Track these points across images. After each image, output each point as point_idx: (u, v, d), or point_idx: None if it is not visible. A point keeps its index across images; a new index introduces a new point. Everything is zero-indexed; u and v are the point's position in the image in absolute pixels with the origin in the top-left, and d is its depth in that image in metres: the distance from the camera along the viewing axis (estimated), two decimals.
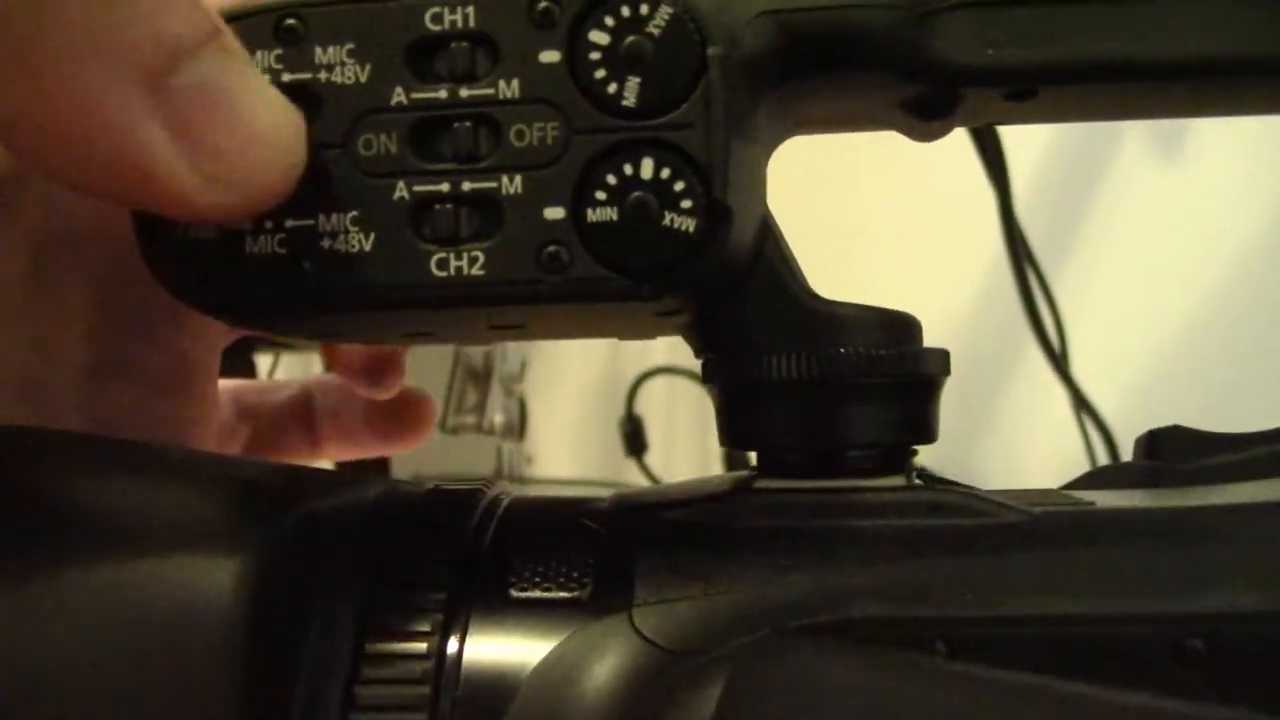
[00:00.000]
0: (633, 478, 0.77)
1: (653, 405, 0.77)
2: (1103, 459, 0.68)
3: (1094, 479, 0.23)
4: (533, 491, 0.62)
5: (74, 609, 0.16)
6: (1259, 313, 0.67)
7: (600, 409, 0.79)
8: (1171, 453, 0.23)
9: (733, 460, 0.67)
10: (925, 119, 0.20)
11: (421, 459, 0.82)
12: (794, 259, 0.19)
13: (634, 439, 0.75)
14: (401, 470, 0.82)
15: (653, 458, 0.76)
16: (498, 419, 0.74)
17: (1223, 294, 0.68)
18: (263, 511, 0.17)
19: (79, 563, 0.16)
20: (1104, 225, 0.70)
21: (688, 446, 0.81)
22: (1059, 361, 0.65)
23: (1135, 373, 0.71)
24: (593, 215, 0.16)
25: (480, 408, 0.73)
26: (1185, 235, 0.68)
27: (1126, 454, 0.69)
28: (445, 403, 0.73)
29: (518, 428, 0.75)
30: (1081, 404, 0.67)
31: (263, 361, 0.87)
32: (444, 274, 0.16)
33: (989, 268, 0.71)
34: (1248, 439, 0.23)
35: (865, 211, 0.75)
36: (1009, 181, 0.59)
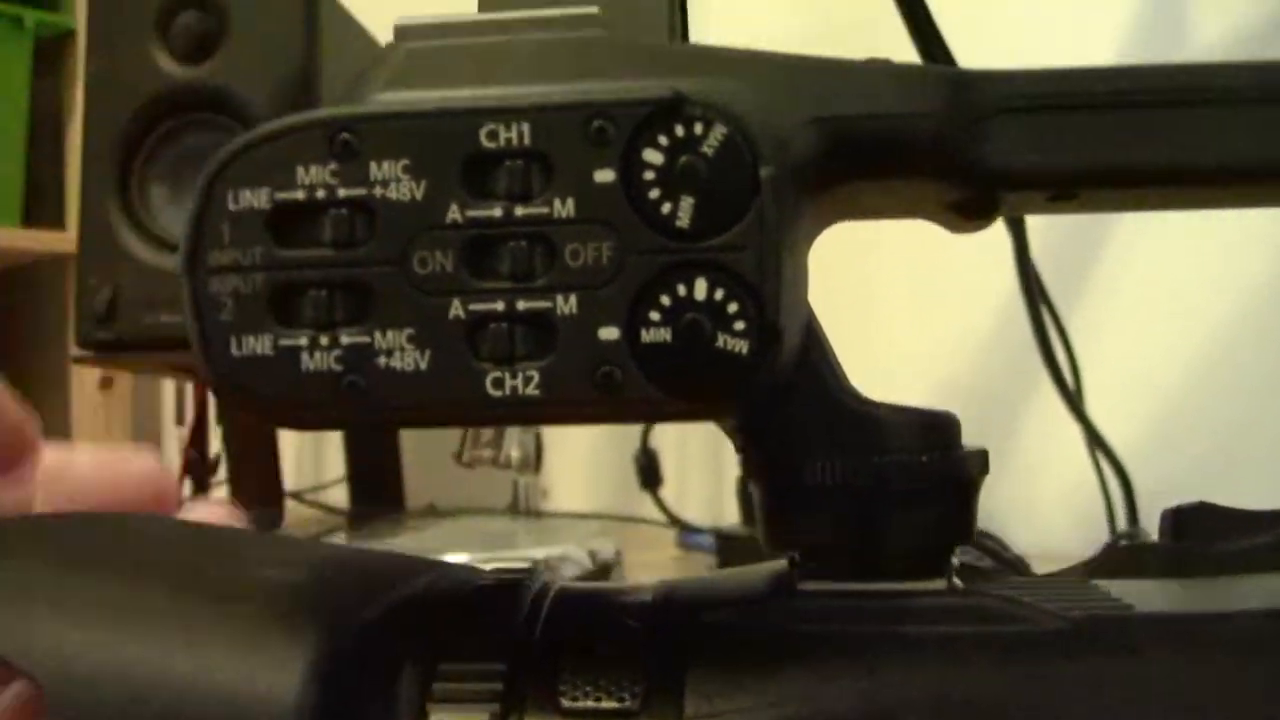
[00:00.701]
0: (647, 511, 0.77)
1: (667, 440, 0.77)
2: (1117, 496, 0.68)
3: (1121, 559, 0.23)
4: (549, 524, 0.62)
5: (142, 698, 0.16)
6: (1270, 351, 0.67)
7: (615, 443, 0.79)
8: (1197, 532, 0.23)
9: (746, 499, 0.67)
10: (967, 218, 0.20)
11: (438, 491, 0.82)
12: (835, 357, 0.20)
13: (649, 473, 0.75)
14: (416, 502, 0.82)
15: (667, 492, 0.76)
16: (514, 453, 0.74)
17: (1235, 333, 0.68)
18: (315, 621, 0.18)
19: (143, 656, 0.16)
20: (1117, 264, 0.70)
21: (702, 481, 0.81)
22: (1073, 399, 0.65)
23: (1149, 410, 0.71)
24: (646, 336, 0.16)
25: (496, 442, 0.73)
26: (1198, 275, 0.68)
27: (1141, 491, 0.69)
28: (462, 437, 0.73)
29: (534, 461, 0.75)
30: (1095, 441, 0.67)
31: None
32: (499, 393, 0.16)
33: (1004, 306, 0.71)
34: (1271, 517, 0.23)
35: (882, 249, 0.75)
36: (1024, 221, 0.59)
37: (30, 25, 1.11)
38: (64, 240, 1.08)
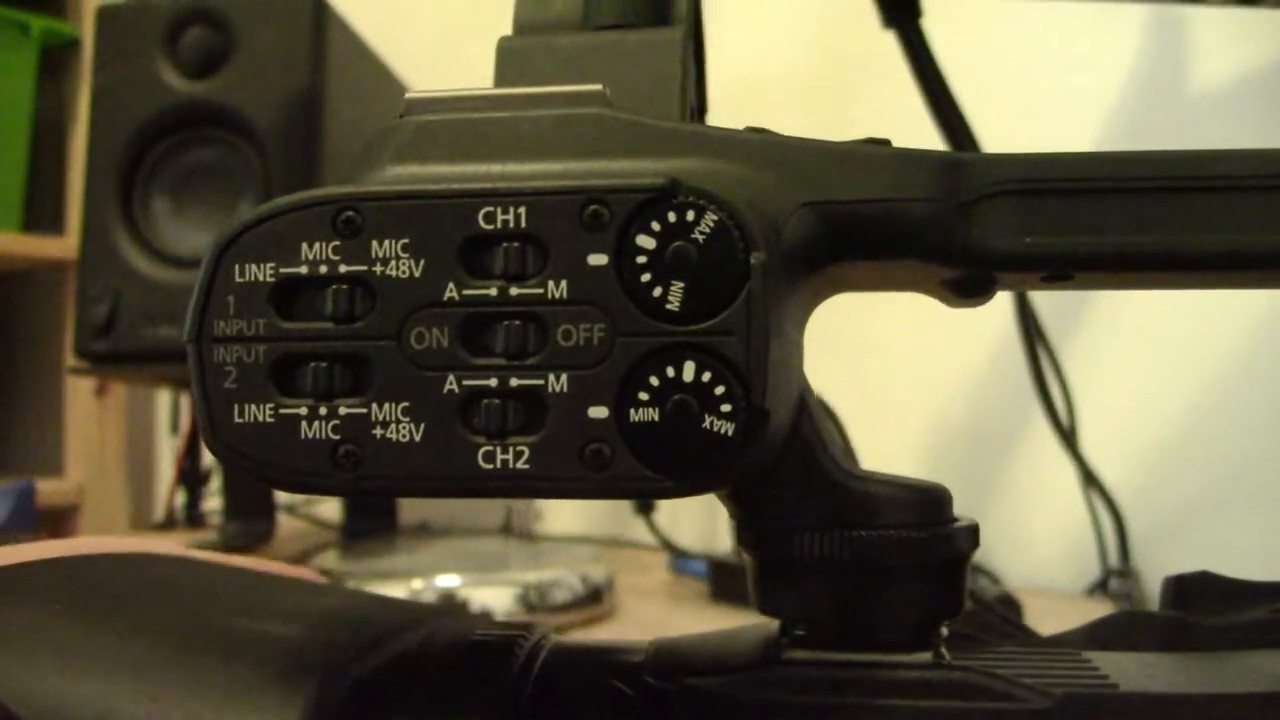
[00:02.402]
0: (640, 535, 0.78)
1: None
2: (1109, 533, 0.69)
3: (1117, 627, 0.23)
4: (541, 547, 0.61)
5: None
6: (1263, 391, 0.68)
7: None
8: (1198, 602, 0.23)
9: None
10: (962, 296, 0.20)
11: (430, 510, 0.82)
12: (827, 428, 0.20)
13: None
14: (409, 520, 0.82)
15: (660, 517, 0.76)
16: None
17: (1228, 372, 0.69)
18: (307, 678, 0.18)
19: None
20: (1113, 303, 0.71)
21: (695, 507, 0.82)
22: (1067, 436, 0.65)
23: (1142, 448, 0.71)
24: (635, 415, 0.17)
25: None
26: (1193, 315, 0.68)
27: (1133, 528, 0.69)
28: None
29: None
30: (1089, 479, 0.67)
31: None
32: (490, 466, 0.17)
33: (1001, 342, 0.71)
34: (1274, 589, 0.23)
35: None
36: None
37: (36, 33, 1.12)
38: (64, 247, 1.08)
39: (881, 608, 0.19)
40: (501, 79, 0.23)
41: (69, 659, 0.18)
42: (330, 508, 0.88)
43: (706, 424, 0.16)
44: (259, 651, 0.18)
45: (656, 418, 0.17)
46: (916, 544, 0.19)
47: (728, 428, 0.16)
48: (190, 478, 0.97)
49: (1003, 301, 0.63)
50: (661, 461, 0.17)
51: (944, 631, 0.20)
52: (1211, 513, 0.69)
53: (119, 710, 0.17)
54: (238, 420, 0.17)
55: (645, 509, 0.75)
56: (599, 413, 0.17)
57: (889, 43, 0.51)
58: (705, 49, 0.29)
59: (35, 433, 1.17)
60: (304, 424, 0.17)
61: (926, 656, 0.19)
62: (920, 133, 0.52)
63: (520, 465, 0.17)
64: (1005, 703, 0.18)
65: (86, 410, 1.12)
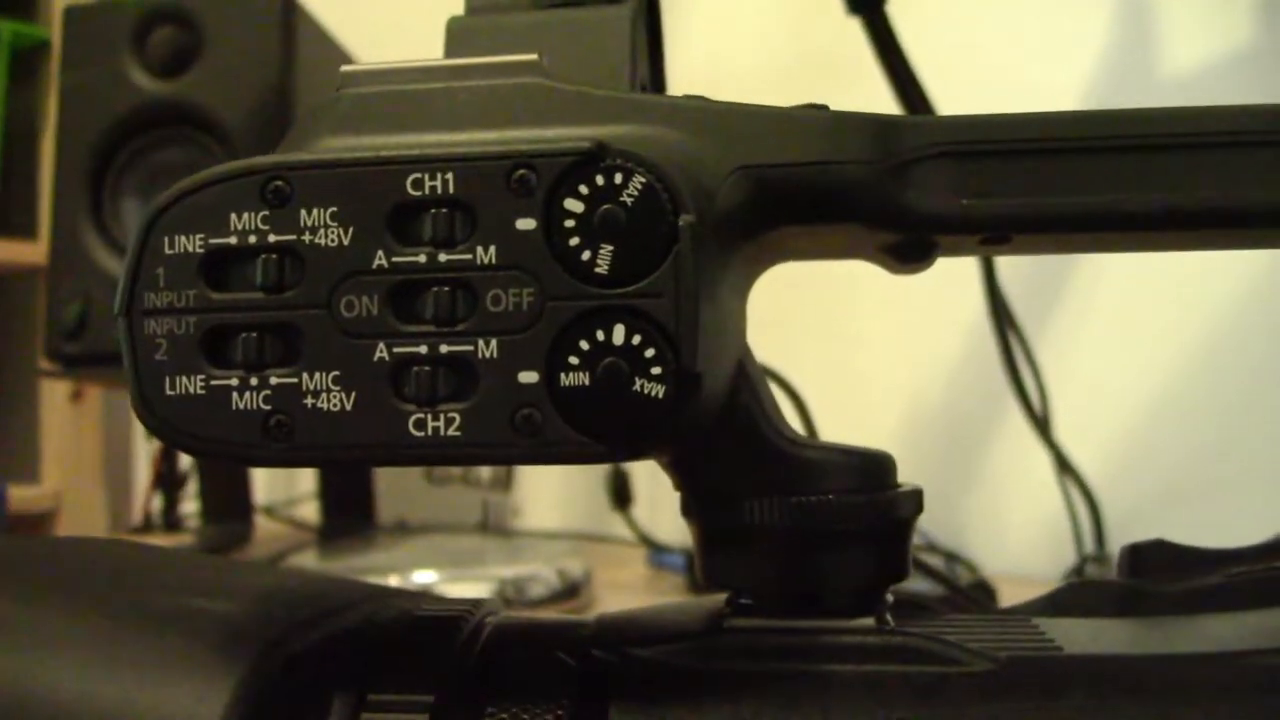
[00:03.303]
0: (618, 530, 0.77)
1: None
2: (1084, 520, 0.69)
3: (1074, 595, 0.23)
4: (519, 542, 0.61)
5: None
6: (1237, 377, 0.68)
7: None
8: (1153, 569, 0.23)
9: None
10: (902, 261, 0.20)
11: (408, 508, 0.82)
12: (770, 398, 0.20)
13: (620, 492, 0.75)
14: (387, 518, 0.82)
15: (639, 511, 0.76)
16: (484, 471, 0.74)
17: (1202, 358, 0.69)
18: (241, 653, 0.18)
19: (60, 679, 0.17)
20: (1085, 289, 0.71)
21: (673, 501, 0.81)
22: (1041, 424, 0.66)
23: (1116, 435, 0.71)
24: (565, 380, 0.16)
25: None
26: (1165, 301, 0.68)
27: (1108, 515, 0.69)
28: None
29: (505, 480, 0.75)
30: (1063, 466, 0.67)
31: None
32: (421, 434, 0.17)
33: (973, 330, 0.71)
34: (1230, 555, 0.23)
35: (854, 271, 0.75)
36: None
37: (6, 36, 1.11)
38: (37, 251, 1.07)
39: (824, 574, 0.19)
40: (449, 56, 0.22)
41: (10, 637, 0.18)
42: (308, 508, 0.87)
43: (637, 387, 0.16)
44: (195, 626, 0.18)
45: (587, 382, 0.16)
46: (858, 509, 0.19)
47: (658, 390, 0.16)
48: (167, 481, 0.97)
49: (974, 288, 0.63)
50: (593, 426, 0.17)
51: (889, 598, 0.20)
52: (1186, 498, 0.69)
53: (48, 685, 0.17)
54: (169, 393, 0.17)
55: (623, 503, 0.75)
56: (529, 378, 0.17)
57: (857, 33, 0.51)
58: (661, 27, 0.29)
59: (10, 438, 1.16)
60: (235, 395, 0.17)
61: (870, 622, 0.19)
62: None
63: (451, 432, 0.17)
64: (948, 666, 0.18)
65: (62, 415, 1.11)
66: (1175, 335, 0.69)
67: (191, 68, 0.68)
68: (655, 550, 0.71)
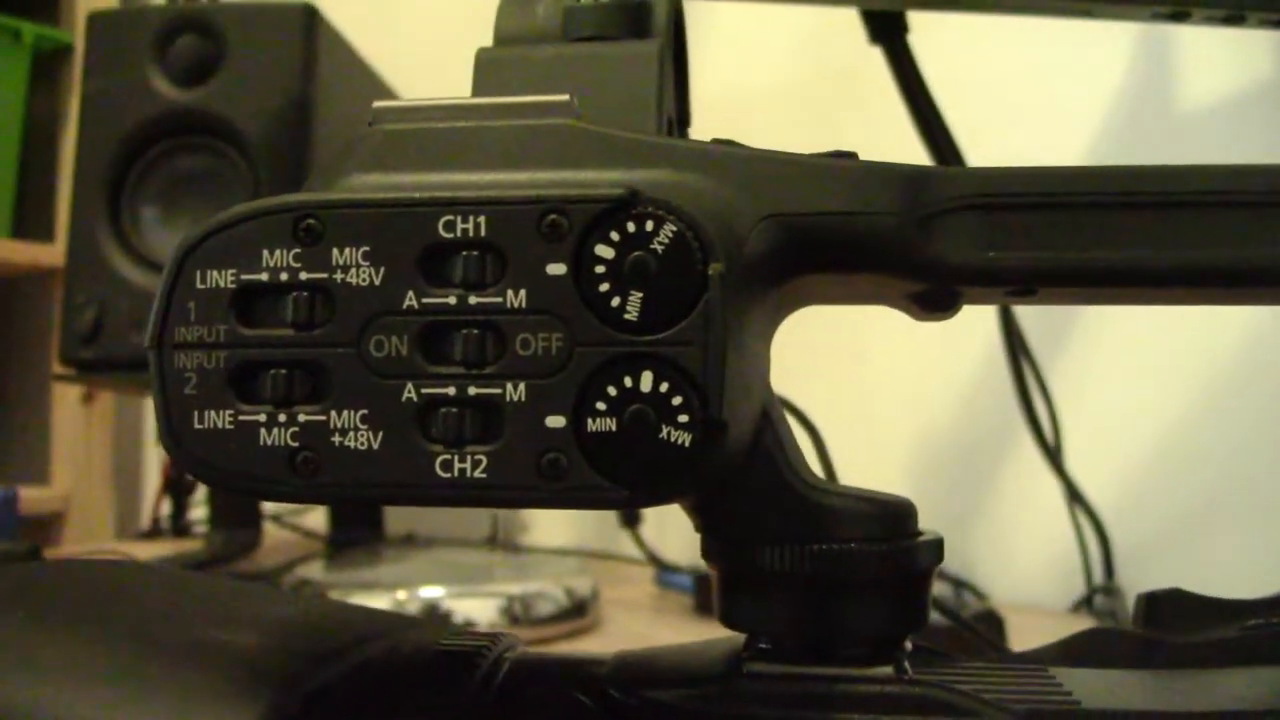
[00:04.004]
0: (626, 548, 0.77)
1: None
2: (1094, 550, 0.69)
3: (1089, 642, 0.23)
4: (527, 558, 0.61)
5: None
6: (1249, 409, 0.68)
7: None
8: (1169, 619, 0.23)
9: None
10: (927, 309, 0.20)
11: (417, 521, 0.82)
12: (791, 440, 0.20)
13: (629, 511, 0.75)
14: (395, 530, 0.82)
15: (647, 530, 0.76)
16: None
17: (1215, 390, 0.69)
18: (260, 690, 0.18)
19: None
20: (1099, 320, 0.71)
21: (681, 520, 0.81)
22: (1053, 454, 0.65)
23: (1127, 465, 0.71)
24: (592, 425, 0.17)
25: None
26: (1179, 332, 0.68)
27: (1117, 545, 0.69)
28: None
29: None
30: (1074, 496, 0.67)
31: None
32: (447, 475, 0.17)
33: (985, 359, 0.71)
34: (1247, 607, 0.23)
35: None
36: None
37: (28, 39, 1.12)
38: (53, 253, 1.08)
39: (844, 622, 0.19)
40: (478, 89, 0.23)
41: (24, 665, 0.18)
42: (316, 518, 0.87)
43: (663, 434, 0.16)
44: (215, 660, 0.18)
45: (613, 428, 0.16)
46: (879, 558, 0.19)
47: (685, 438, 0.16)
48: (176, 487, 0.97)
49: (988, 317, 0.63)
50: (618, 472, 0.17)
51: (908, 645, 0.20)
52: (1196, 530, 0.69)
53: (69, 718, 0.17)
54: (198, 427, 0.17)
55: (631, 522, 0.75)
56: (556, 422, 0.17)
57: (877, 57, 0.51)
58: (688, 61, 0.30)
59: (21, 440, 1.16)
60: (263, 430, 0.17)
61: (888, 671, 0.19)
62: (906, 146, 0.52)
63: (477, 474, 0.17)
64: (966, 718, 0.18)
65: (73, 418, 1.11)
66: (1188, 367, 0.69)
67: (213, 77, 0.68)
68: (663, 569, 0.71)
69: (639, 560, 0.76)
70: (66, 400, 1.11)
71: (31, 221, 1.16)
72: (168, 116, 0.69)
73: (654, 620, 0.65)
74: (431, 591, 0.58)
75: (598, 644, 0.58)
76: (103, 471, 1.13)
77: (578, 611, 0.60)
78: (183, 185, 0.70)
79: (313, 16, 0.69)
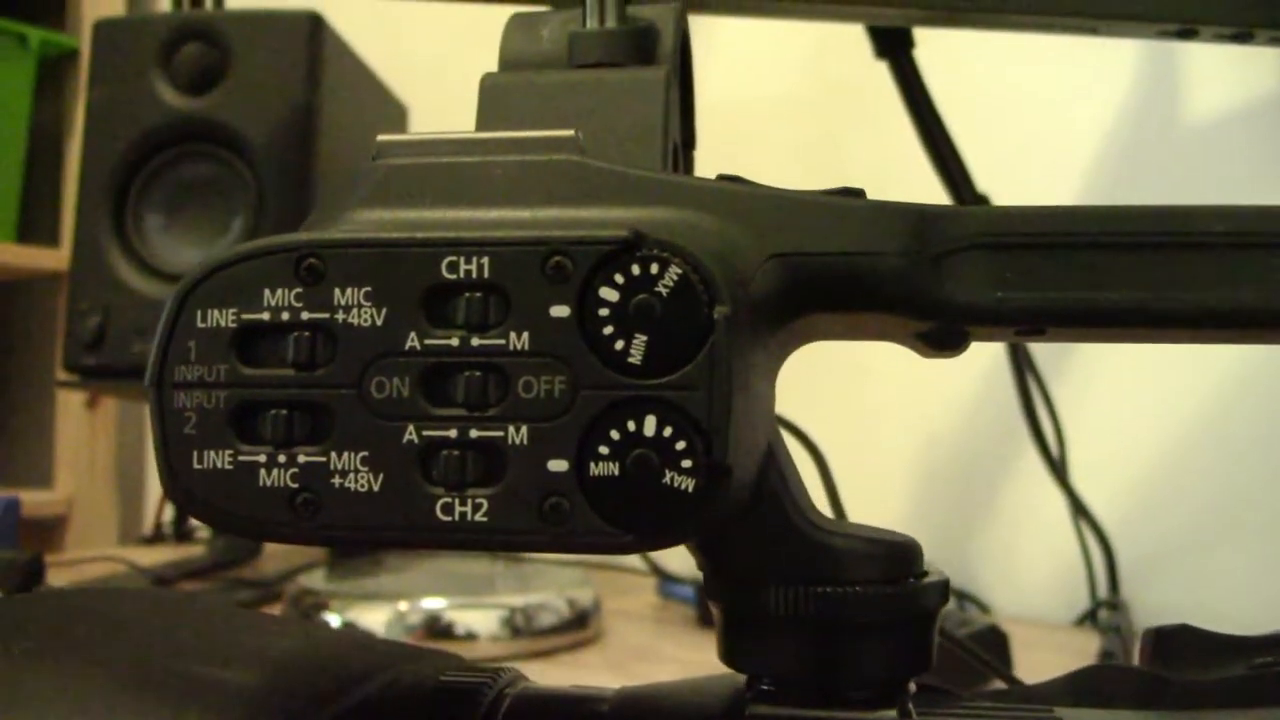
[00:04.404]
0: (628, 559, 0.77)
1: None
2: (1098, 564, 0.69)
3: (1096, 679, 0.23)
4: (529, 569, 0.61)
5: None
6: (1255, 423, 0.68)
7: None
8: (1177, 656, 0.23)
9: None
10: (935, 348, 0.20)
11: None
12: (796, 478, 0.20)
13: None
14: None
15: None
16: None
17: (1220, 404, 0.68)
18: None
19: None
20: None
21: None
22: (1057, 468, 0.65)
23: (1132, 480, 0.71)
24: (595, 469, 0.16)
25: None
26: (1183, 348, 0.68)
27: (1122, 559, 0.68)
28: None
29: None
30: (1079, 510, 0.67)
31: None
32: (448, 518, 0.17)
33: (991, 373, 0.71)
34: (1255, 644, 0.23)
35: None
36: None
37: (34, 44, 1.12)
38: (58, 258, 1.08)
39: (847, 664, 0.19)
40: (483, 116, 0.22)
41: (16, 704, 0.18)
42: None
43: (667, 480, 0.16)
44: (214, 700, 0.18)
45: (617, 472, 0.16)
46: (884, 600, 0.18)
47: (688, 484, 0.16)
48: None
49: None
50: (621, 516, 0.16)
51: (912, 687, 0.20)
52: (1201, 544, 0.68)
53: None
54: (197, 467, 0.17)
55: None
56: (559, 466, 0.16)
57: (883, 72, 0.51)
58: (693, 85, 0.29)
59: (25, 444, 1.16)
60: (263, 471, 0.17)
61: (892, 714, 0.19)
62: (913, 161, 0.52)
63: (478, 517, 0.17)
64: None
65: (77, 422, 1.11)
66: (1193, 381, 0.69)
67: (218, 85, 0.68)
68: (665, 580, 0.71)
69: (641, 571, 0.76)
70: (70, 405, 1.11)
71: (37, 226, 1.16)
72: (173, 124, 0.69)
73: (656, 632, 0.65)
74: (433, 602, 0.58)
75: (600, 655, 0.58)
76: (106, 476, 1.13)
77: (579, 623, 0.60)
78: (187, 193, 0.70)
79: (318, 25, 0.69)
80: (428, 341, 0.17)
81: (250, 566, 0.79)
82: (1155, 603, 0.67)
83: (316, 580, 0.66)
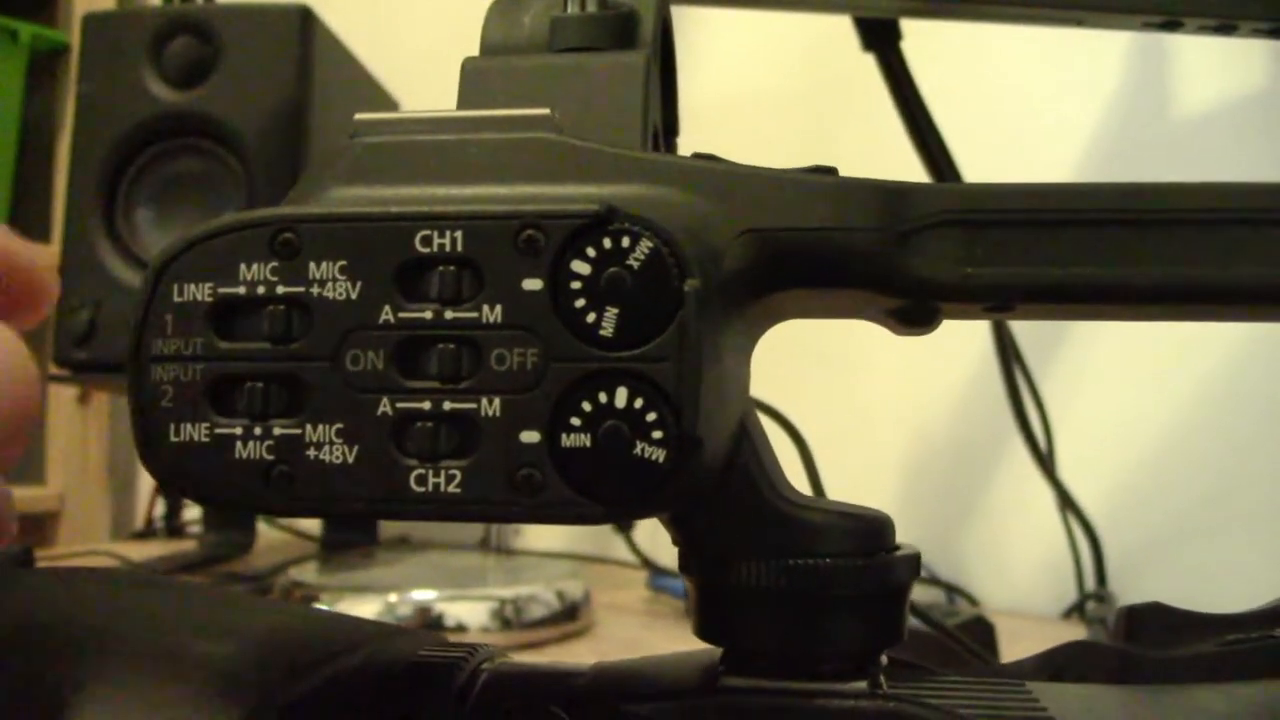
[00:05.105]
0: (619, 552, 0.78)
1: None
2: (1086, 557, 0.69)
3: (1070, 655, 0.23)
4: (519, 562, 0.61)
5: None
6: (1244, 415, 0.68)
7: None
8: (1150, 633, 0.23)
9: None
10: (906, 324, 0.20)
11: (409, 525, 0.82)
12: (770, 455, 0.20)
13: None
14: (389, 534, 0.82)
15: (640, 534, 0.76)
16: None
17: (1208, 396, 0.69)
18: (237, 703, 0.18)
19: None
20: (1091, 327, 0.71)
21: None
22: (1045, 461, 0.65)
23: (1119, 472, 0.71)
24: (567, 441, 0.17)
25: None
26: (1170, 340, 0.68)
27: (1110, 551, 0.69)
28: None
29: None
30: (1066, 502, 0.67)
31: None
32: (421, 489, 0.17)
33: (979, 366, 0.71)
34: (1227, 622, 0.23)
35: None
36: None
37: (25, 39, 1.12)
38: (50, 253, 1.08)
39: (819, 637, 0.19)
40: (464, 100, 0.23)
41: None
42: (310, 520, 0.87)
43: (638, 451, 0.16)
44: (191, 672, 0.18)
45: (588, 443, 0.17)
46: (854, 573, 0.19)
47: (659, 454, 0.16)
48: None
49: (980, 323, 0.63)
50: (593, 487, 0.17)
51: (884, 660, 0.20)
52: (1188, 536, 0.69)
53: None
54: (173, 439, 0.17)
55: (624, 526, 0.75)
56: (531, 437, 0.17)
57: (871, 64, 0.51)
58: (675, 69, 0.30)
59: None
60: (239, 444, 0.17)
61: (863, 685, 0.19)
62: (900, 153, 0.52)
63: (452, 489, 0.17)
64: None
65: (69, 417, 1.11)
66: (1181, 373, 0.69)
67: (208, 79, 0.69)
68: (656, 573, 0.71)
69: (632, 564, 0.76)
70: (62, 400, 1.11)
71: (28, 221, 1.15)
72: (163, 118, 0.69)
73: (646, 624, 0.65)
74: (423, 594, 0.58)
75: (589, 647, 0.58)
76: (98, 472, 1.13)
77: (569, 615, 0.60)
78: (177, 187, 0.70)
79: (308, 19, 0.69)
80: (402, 315, 0.17)
81: (242, 561, 0.79)
82: (1142, 595, 0.67)
83: (307, 573, 0.66)
